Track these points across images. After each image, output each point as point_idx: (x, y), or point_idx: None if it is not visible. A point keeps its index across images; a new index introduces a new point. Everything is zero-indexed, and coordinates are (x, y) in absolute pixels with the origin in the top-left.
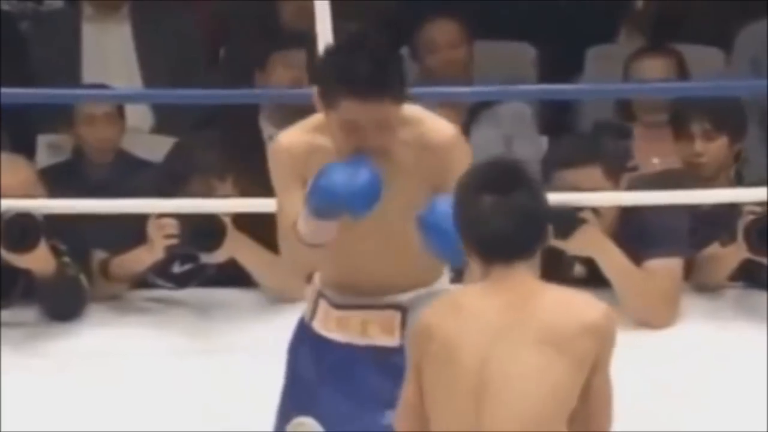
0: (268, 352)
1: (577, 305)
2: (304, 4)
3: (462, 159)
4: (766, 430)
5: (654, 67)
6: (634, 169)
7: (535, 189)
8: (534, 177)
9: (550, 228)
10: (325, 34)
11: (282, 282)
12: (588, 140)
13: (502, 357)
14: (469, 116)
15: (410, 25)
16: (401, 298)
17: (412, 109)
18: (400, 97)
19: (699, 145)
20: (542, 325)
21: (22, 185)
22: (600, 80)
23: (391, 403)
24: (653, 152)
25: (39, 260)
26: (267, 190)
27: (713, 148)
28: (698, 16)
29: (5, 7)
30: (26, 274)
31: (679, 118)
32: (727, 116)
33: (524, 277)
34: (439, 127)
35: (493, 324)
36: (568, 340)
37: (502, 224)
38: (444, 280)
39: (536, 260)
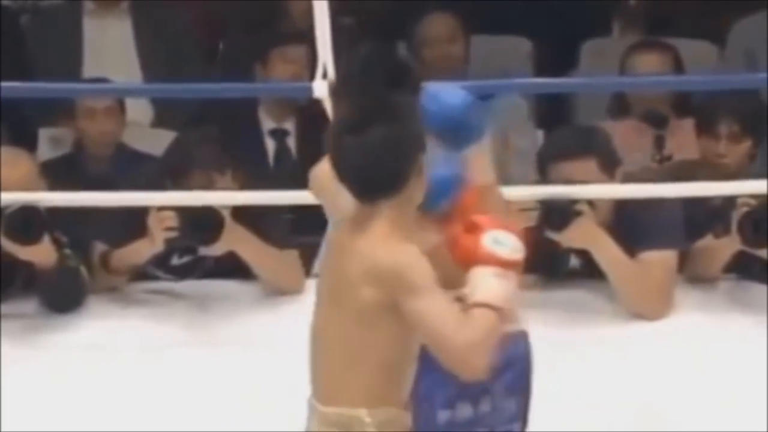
0: (266, 344)
1: (367, 251)
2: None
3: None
4: (765, 421)
5: (650, 61)
6: (669, 157)
7: (396, 124)
8: (401, 110)
9: (406, 163)
10: (323, 31)
11: (280, 274)
12: (583, 133)
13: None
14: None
15: (406, 20)
16: None
17: None
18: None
19: (724, 146)
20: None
21: (23, 179)
22: (595, 74)
23: None
24: (638, 146)
25: (41, 252)
26: (265, 183)
27: (737, 150)
28: (691, 11)
29: (5, 1)
30: (26, 266)
31: (706, 116)
32: (755, 120)
33: (379, 218)
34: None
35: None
36: (353, 287)
37: (355, 163)
38: None
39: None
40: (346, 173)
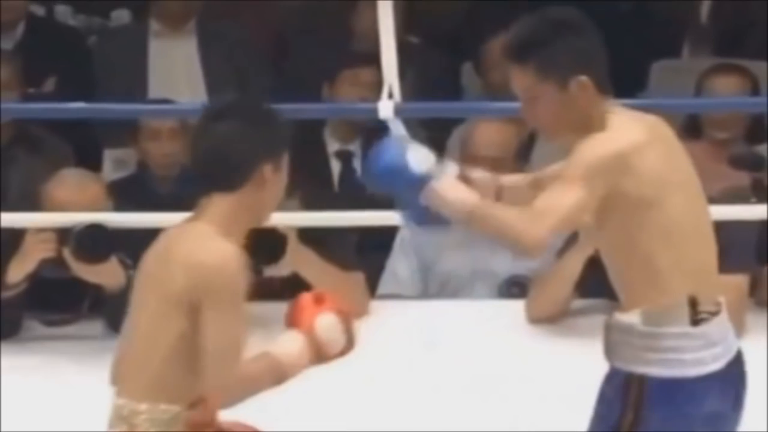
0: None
1: (187, 242)
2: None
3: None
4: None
5: (728, 84)
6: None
7: (246, 123)
8: (260, 113)
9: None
10: (389, 50)
11: (344, 296)
12: None
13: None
14: (533, 131)
15: (473, 40)
16: None
17: None
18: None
19: None
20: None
21: (92, 201)
22: (664, 95)
23: None
24: (717, 171)
25: (109, 274)
26: (330, 204)
27: None
28: (762, 31)
29: (73, 22)
30: (93, 288)
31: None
32: None
33: (211, 212)
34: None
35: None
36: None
37: (197, 151)
38: None
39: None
40: (191, 159)
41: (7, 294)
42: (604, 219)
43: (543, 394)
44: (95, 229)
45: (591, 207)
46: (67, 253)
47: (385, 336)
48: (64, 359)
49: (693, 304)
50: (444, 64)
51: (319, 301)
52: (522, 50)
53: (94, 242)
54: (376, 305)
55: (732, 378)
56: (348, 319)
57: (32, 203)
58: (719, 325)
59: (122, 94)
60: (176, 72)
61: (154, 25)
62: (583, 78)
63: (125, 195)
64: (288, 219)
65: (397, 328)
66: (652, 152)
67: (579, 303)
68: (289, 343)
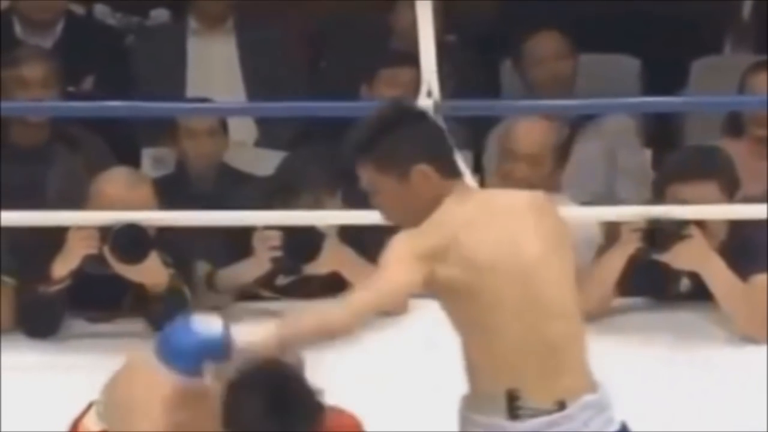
0: (369, 363)
1: None
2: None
3: None
4: None
5: None
6: None
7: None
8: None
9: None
10: (427, 49)
11: None
12: (705, 154)
13: None
14: (572, 129)
15: (512, 37)
16: None
17: None
18: None
19: None
20: None
21: (141, 200)
22: (706, 92)
23: None
24: (758, 169)
25: (151, 273)
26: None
27: None
28: None
29: (111, 21)
30: (134, 285)
31: None
32: None
33: None
34: None
35: None
36: None
37: None
38: None
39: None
40: None
41: (51, 289)
42: (439, 300)
43: None
44: (133, 229)
45: (407, 286)
46: (106, 252)
47: (425, 333)
48: (106, 357)
49: (511, 398)
50: (482, 62)
51: None
52: (360, 147)
53: (132, 242)
54: (416, 304)
55: None
56: None
57: (72, 201)
58: (552, 425)
59: (160, 93)
60: (214, 71)
61: (192, 24)
62: (423, 166)
63: (163, 193)
64: (330, 218)
65: (437, 325)
66: (479, 240)
67: (620, 302)
68: None
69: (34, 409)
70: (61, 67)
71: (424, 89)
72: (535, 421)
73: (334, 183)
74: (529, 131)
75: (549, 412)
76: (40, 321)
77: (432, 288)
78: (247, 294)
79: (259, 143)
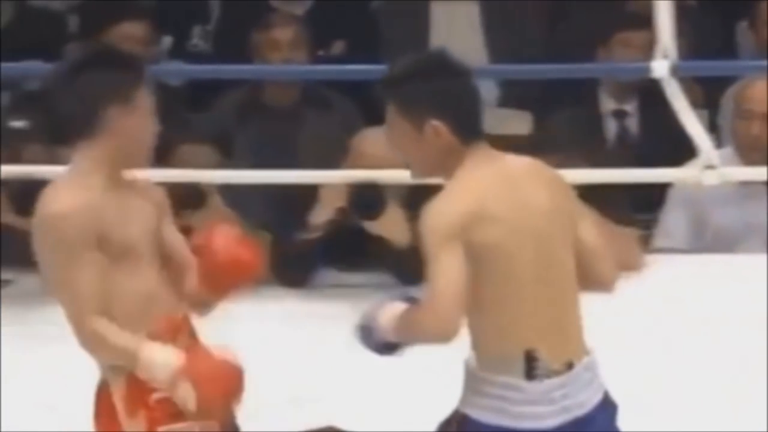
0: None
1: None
2: None
3: None
4: None
5: None
6: None
7: (84, 73)
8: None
9: None
10: (664, 11)
11: (620, 251)
12: None
13: None
14: None
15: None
16: None
17: None
18: None
19: None
20: None
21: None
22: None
23: None
24: None
25: (392, 228)
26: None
27: None
28: None
29: None
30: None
31: None
32: None
33: (77, 160)
34: None
35: None
36: None
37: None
38: None
39: None
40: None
41: (307, 238)
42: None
43: None
44: (369, 188)
45: (462, 265)
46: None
47: (661, 289)
48: (353, 307)
49: (530, 358)
50: (718, 22)
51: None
52: (388, 84)
53: (368, 200)
54: (650, 259)
55: None
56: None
57: (324, 159)
58: (562, 387)
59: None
60: (457, 36)
61: None
62: (437, 123)
63: None
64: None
65: (671, 282)
66: (497, 202)
67: None
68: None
69: (287, 358)
70: (311, 32)
71: (659, 51)
72: (548, 381)
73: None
74: (763, 90)
75: (560, 373)
76: (294, 271)
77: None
78: None
79: (500, 103)
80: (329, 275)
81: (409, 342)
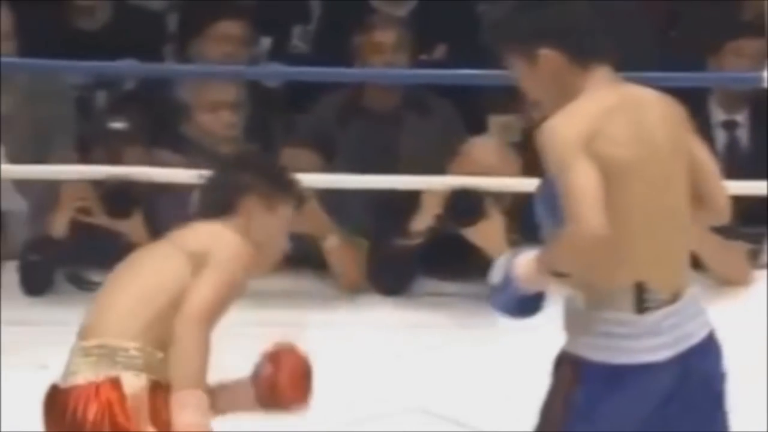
0: None
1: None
2: None
3: None
4: None
5: None
6: None
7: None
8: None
9: None
10: None
11: (727, 266)
12: None
13: None
14: None
15: None
16: None
17: None
18: None
19: None
20: None
21: (507, 169)
22: None
23: None
24: None
25: (487, 236)
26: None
27: None
28: None
29: None
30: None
31: None
32: None
33: None
34: None
35: None
36: None
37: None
38: None
39: None
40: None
41: (407, 243)
42: None
43: None
44: (468, 194)
45: (596, 172)
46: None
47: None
48: (452, 317)
49: (640, 290)
50: None
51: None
52: (492, 29)
53: (465, 206)
54: (760, 275)
55: (671, 373)
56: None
57: (424, 164)
58: (671, 316)
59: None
60: None
61: None
62: (548, 51)
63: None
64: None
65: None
66: (617, 125)
67: None
68: None
69: (373, 366)
70: (413, 35)
71: None
72: (657, 312)
73: None
74: None
75: (667, 303)
76: (391, 278)
77: None
78: None
79: None
80: (427, 283)
81: (559, 266)
